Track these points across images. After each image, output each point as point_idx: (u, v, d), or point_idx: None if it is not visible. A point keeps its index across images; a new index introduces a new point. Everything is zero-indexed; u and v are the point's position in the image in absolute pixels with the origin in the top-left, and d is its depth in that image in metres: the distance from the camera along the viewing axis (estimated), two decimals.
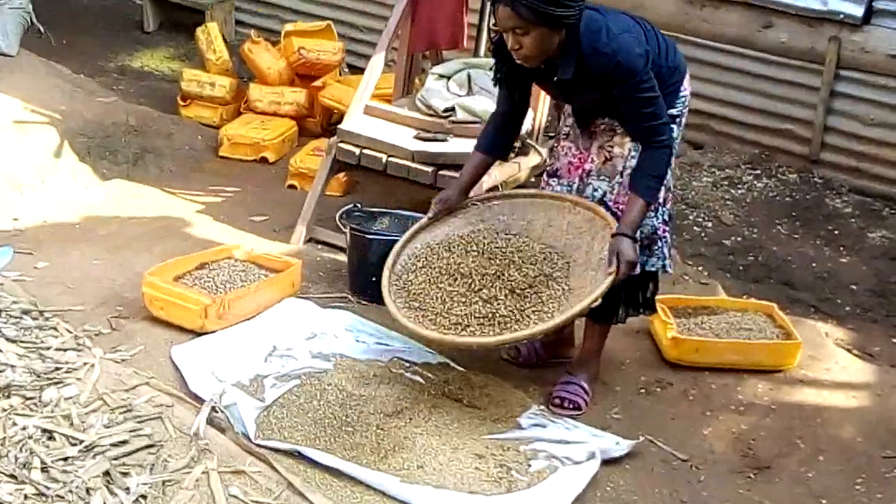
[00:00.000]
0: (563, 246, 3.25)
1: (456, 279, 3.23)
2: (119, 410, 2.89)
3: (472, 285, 3.19)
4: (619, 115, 3.24)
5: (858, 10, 5.27)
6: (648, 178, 3.14)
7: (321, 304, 3.77)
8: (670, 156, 3.19)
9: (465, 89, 4.56)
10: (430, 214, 3.47)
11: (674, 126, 3.29)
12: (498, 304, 3.14)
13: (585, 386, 3.42)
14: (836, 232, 5.04)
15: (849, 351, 4.04)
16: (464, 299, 3.17)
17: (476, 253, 3.29)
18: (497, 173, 4.18)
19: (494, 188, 4.11)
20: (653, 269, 3.39)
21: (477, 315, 3.12)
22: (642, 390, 3.58)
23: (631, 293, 3.41)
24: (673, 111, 3.29)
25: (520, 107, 3.42)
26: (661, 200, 3.35)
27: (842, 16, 5.31)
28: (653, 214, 3.34)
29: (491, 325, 3.08)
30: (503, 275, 3.20)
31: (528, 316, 3.08)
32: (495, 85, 3.39)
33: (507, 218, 3.41)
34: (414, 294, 3.22)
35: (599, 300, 3.09)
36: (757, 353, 3.72)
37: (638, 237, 3.28)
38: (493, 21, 3.13)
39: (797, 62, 5.48)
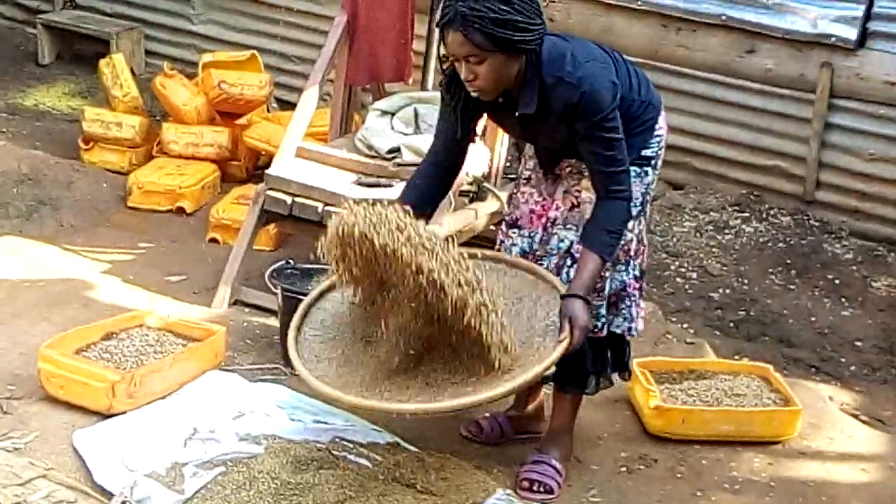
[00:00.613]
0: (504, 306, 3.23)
1: (382, 343, 3.20)
2: None
3: (404, 349, 3.17)
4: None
5: (852, 33, 5.43)
6: (604, 234, 3.18)
7: (249, 377, 3.74)
8: (629, 209, 3.24)
9: (411, 127, 4.61)
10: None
11: (648, 169, 3.35)
12: (436, 370, 3.12)
13: (558, 465, 3.42)
14: (837, 281, 5.13)
15: (855, 417, 4.09)
16: (396, 364, 3.14)
17: (404, 314, 3.22)
18: (450, 221, 4.21)
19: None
20: (618, 330, 3.42)
21: (413, 381, 3.09)
22: (623, 468, 3.58)
23: (598, 359, 3.43)
24: (647, 152, 3.34)
25: (459, 151, 3.43)
26: (631, 253, 3.39)
27: (833, 39, 5.47)
28: (623, 268, 3.38)
29: (431, 390, 3.06)
30: (437, 339, 3.17)
31: (468, 384, 3.07)
32: (444, 118, 3.39)
33: None
34: (331, 363, 3.19)
35: (553, 368, 3.09)
36: (752, 422, 3.76)
37: (605, 294, 3.31)
38: (443, 49, 3.17)
39: (785, 91, 5.62)
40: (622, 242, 3.32)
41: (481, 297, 3.04)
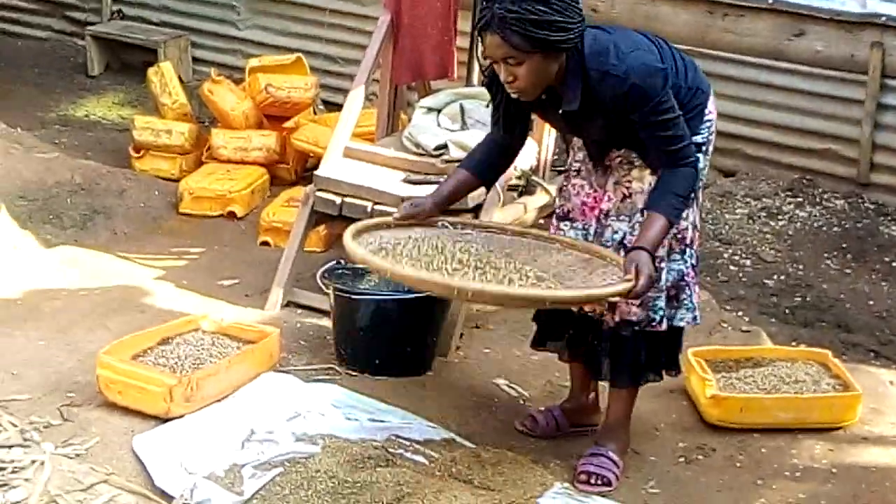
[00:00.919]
0: (553, 273, 3.22)
1: (438, 259, 3.20)
2: None
3: (460, 261, 3.18)
4: (636, 144, 3.27)
5: None
6: (671, 196, 3.15)
7: (304, 377, 3.76)
8: (696, 177, 3.22)
9: (457, 123, 4.61)
10: (396, 215, 3.43)
11: (699, 155, 3.32)
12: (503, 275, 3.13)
13: (615, 457, 3.41)
14: (894, 264, 5.06)
15: None
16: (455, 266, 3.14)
17: (456, 252, 3.25)
18: (499, 216, 4.21)
19: None
20: (681, 323, 3.39)
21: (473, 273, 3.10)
22: (681, 459, 3.56)
23: (652, 351, 3.40)
24: (698, 138, 3.31)
25: (517, 136, 3.46)
26: (688, 241, 3.36)
27: (884, 18, 5.38)
28: (678, 258, 3.35)
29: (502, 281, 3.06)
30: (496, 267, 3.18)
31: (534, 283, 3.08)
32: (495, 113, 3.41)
33: (481, 248, 3.35)
34: (390, 254, 3.18)
35: (618, 298, 3.09)
36: (811, 409, 3.71)
37: (662, 285, 3.29)
38: (482, 50, 3.17)
39: (836, 73, 5.55)
40: (676, 230, 3.30)
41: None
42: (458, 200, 3.59)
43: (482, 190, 3.76)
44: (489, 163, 3.48)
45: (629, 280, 3.06)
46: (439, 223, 3.47)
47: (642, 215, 3.27)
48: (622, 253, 3.29)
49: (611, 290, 3.07)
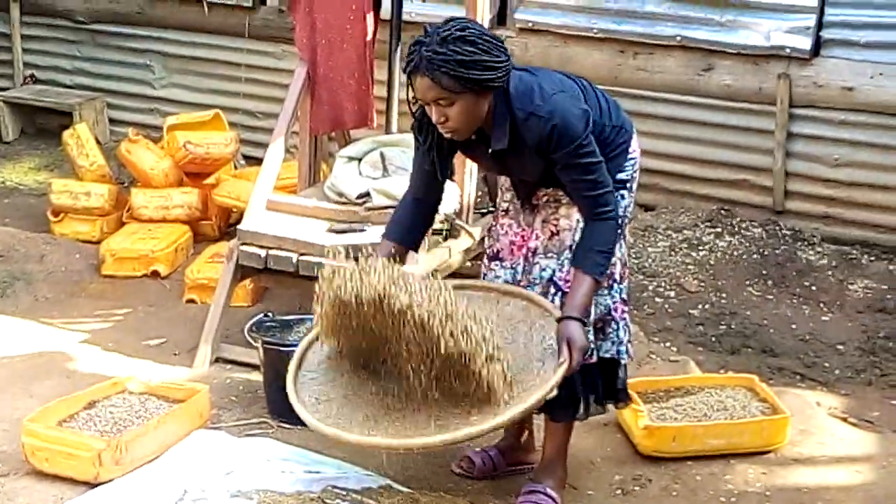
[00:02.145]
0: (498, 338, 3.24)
1: (379, 384, 3.20)
2: None
3: (400, 387, 3.17)
4: (561, 182, 3.31)
5: (806, 43, 5.51)
6: (595, 254, 3.20)
7: (236, 433, 3.72)
8: (617, 228, 3.26)
9: (379, 171, 4.63)
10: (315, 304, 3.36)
11: (624, 192, 3.37)
12: (435, 404, 3.12)
13: (553, 494, 3.41)
14: (814, 288, 5.17)
15: (844, 420, 4.10)
16: (394, 402, 3.15)
17: (403, 365, 3.21)
18: (425, 260, 4.22)
19: None
20: (606, 355, 3.42)
21: (415, 416, 3.09)
22: (618, 491, 3.58)
23: (589, 384, 3.43)
24: (622, 175, 3.37)
25: (438, 189, 3.46)
26: (616, 277, 3.40)
27: (788, 50, 5.55)
28: (606, 292, 3.39)
29: (435, 423, 3.06)
30: (432, 374, 3.16)
31: (471, 413, 3.07)
32: (418, 158, 3.41)
33: None
34: (331, 403, 3.19)
35: (555, 391, 3.10)
36: (742, 433, 3.76)
37: (590, 319, 3.32)
38: (412, 93, 3.19)
39: (746, 105, 5.69)
40: None
41: (489, 350, 3.05)
42: None
43: None
44: (411, 228, 3.47)
45: (564, 361, 3.10)
46: None
47: (570, 252, 3.31)
48: (552, 289, 3.33)
49: (550, 386, 3.08)
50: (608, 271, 3.36)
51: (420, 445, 3.05)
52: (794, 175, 5.64)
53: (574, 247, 3.27)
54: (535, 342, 3.21)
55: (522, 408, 3.05)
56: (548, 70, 3.36)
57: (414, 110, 3.30)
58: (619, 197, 3.36)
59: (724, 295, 5.12)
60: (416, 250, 3.50)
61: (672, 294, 5.14)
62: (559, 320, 3.17)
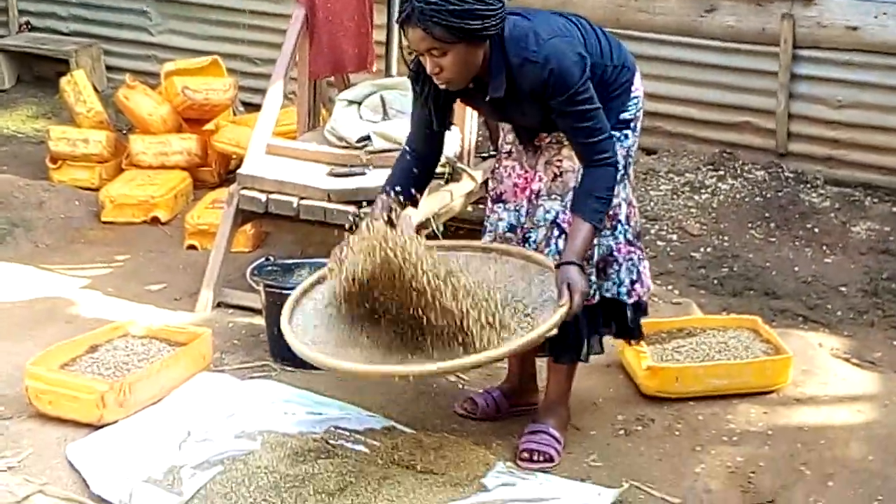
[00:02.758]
0: (494, 293, 3.21)
1: (376, 328, 3.18)
2: None
3: (397, 330, 3.15)
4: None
5: None
6: (594, 200, 3.18)
7: (239, 376, 3.73)
8: (616, 174, 3.24)
9: (379, 114, 4.60)
10: (330, 265, 3.30)
11: (628, 132, 3.35)
12: (434, 345, 3.10)
13: (556, 434, 3.42)
14: (816, 230, 5.16)
15: (847, 360, 4.11)
16: (390, 340, 3.12)
17: (396, 303, 3.19)
18: (427, 205, 4.20)
19: (425, 223, 4.13)
20: (607, 294, 3.42)
21: (410, 348, 3.08)
22: (621, 431, 3.59)
23: (591, 326, 3.42)
24: (626, 114, 3.35)
25: (437, 140, 3.42)
26: (620, 218, 3.39)
27: None
28: (609, 233, 3.38)
29: (428, 356, 3.05)
30: (431, 320, 3.12)
31: (475, 342, 3.06)
32: (416, 108, 3.37)
33: None
34: (326, 345, 3.16)
35: (554, 331, 3.10)
36: (744, 374, 3.77)
37: (592, 260, 3.31)
38: (406, 42, 3.16)
39: (749, 46, 5.65)
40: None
41: (486, 315, 3.06)
42: None
43: None
44: (410, 181, 3.41)
45: (564, 304, 3.08)
46: None
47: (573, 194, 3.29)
48: (555, 231, 3.31)
49: (550, 324, 3.06)
50: (611, 213, 3.35)
51: (415, 372, 3.02)
52: (798, 117, 5.61)
53: (572, 197, 3.25)
54: (534, 295, 3.20)
55: (520, 343, 3.05)
56: (545, 13, 3.31)
57: (408, 61, 3.26)
58: (622, 137, 3.34)
59: (726, 238, 5.11)
60: (415, 205, 3.46)
61: (674, 237, 5.13)
62: (558, 266, 3.16)
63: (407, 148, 3.44)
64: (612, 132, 3.24)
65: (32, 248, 4.97)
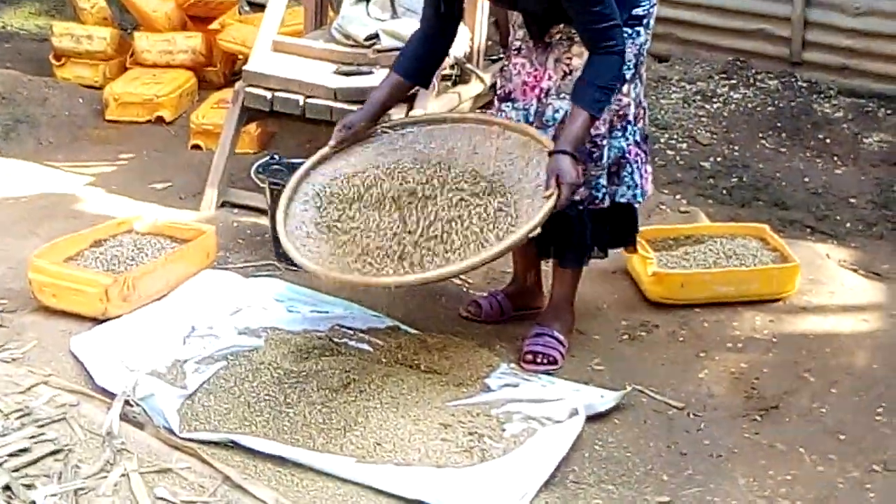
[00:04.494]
0: (491, 174, 3.22)
1: (371, 213, 3.18)
2: (14, 415, 2.81)
3: (391, 218, 3.15)
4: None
5: None
6: (594, 89, 3.12)
7: (244, 273, 3.71)
8: (621, 64, 3.17)
9: (387, 12, 4.51)
10: (332, 143, 3.40)
11: (640, 28, 3.28)
12: (424, 237, 3.09)
13: (560, 337, 3.41)
14: (828, 141, 5.10)
15: (854, 271, 4.09)
16: (384, 234, 3.12)
17: (392, 185, 3.22)
18: (434, 106, 4.14)
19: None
20: (622, 199, 3.38)
21: (399, 252, 3.07)
22: (625, 336, 3.58)
23: (597, 230, 3.39)
24: (638, 10, 3.28)
25: (448, 26, 3.38)
26: (630, 118, 3.33)
27: None
28: (619, 134, 3.33)
29: (418, 261, 3.04)
30: (426, 207, 3.15)
31: (461, 248, 3.05)
32: None
33: (424, 146, 3.37)
34: (322, 235, 3.16)
35: (538, 230, 3.06)
36: (751, 281, 3.74)
37: (603, 163, 3.27)
38: None
39: None
40: (617, 108, 3.27)
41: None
42: (392, 107, 3.57)
43: None
44: (421, 63, 3.41)
45: (551, 195, 3.04)
46: (378, 130, 3.43)
47: None
48: None
49: (536, 222, 3.03)
50: (621, 112, 3.30)
51: (402, 283, 3.04)
52: (813, 24, 5.50)
53: (573, 86, 3.19)
54: (530, 177, 3.16)
55: (506, 244, 3.03)
56: None
57: None
58: (634, 34, 3.27)
59: (736, 147, 5.06)
60: (425, 86, 3.42)
61: (684, 146, 5.08)
62: (550, 154, 3.11)
63: (419, 31, 3.41)
64: (624, 28, 3.17)
65: (36, 144, 4.94)
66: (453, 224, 3.08)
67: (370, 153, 3.39)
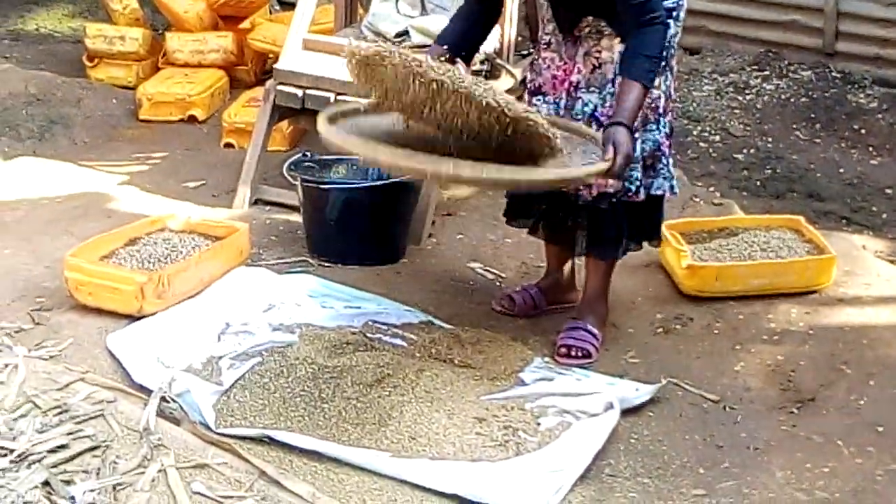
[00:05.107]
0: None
1: (422, 138, 2.98)
2: (53, 412, 2.83)
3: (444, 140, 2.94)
4: (605, 10, 3.20)
5: None
6: (644, 59, 3.09)
7: (277, 270, 3.72)
8: (665, 37, 3.15)
9: (417, 9, 4.51)
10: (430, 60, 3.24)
11: (670, 21, 3.26)
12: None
13: (594, 330, 3.40)
14: (863, 131, 5.06)
15: (890, 262, 4.07)
16: (437, 143, 2.92)
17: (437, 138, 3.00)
18: None
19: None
20: (659, 191, 3.37)
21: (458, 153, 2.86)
22: (660, 329, 3.56)
23: (634, 222, 3.38)
24: (668, 2, 3.25)
25: (492, 7, 3.39)
26: (661, 110, 3.32)
27: None
28: (654, 127, 3.32)
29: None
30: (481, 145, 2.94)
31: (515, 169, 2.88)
32: None
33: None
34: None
35: (591, 180, 3.04)
36: (786, 273, 3.71)
37: (637, 156, 3.25)
38: None
39: None
40: (650, 100, 3.25)
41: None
42: None
43: None
44: (464, 36, 3.38)
45: (607, 160, 3.01)
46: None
47: (613, 86, 3.23)
48: (594, 126, 3.25)
49: (588, 171, 2.99)
50: (653, 105, 3.28)
51: (453, 175, 2.81)
52: (846, 15, 5.46)
53: (619, 61, 3.17)
54: (576, 161, 3.07)
55: (564, 174, 2.94)
56: None
57: None
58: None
59: (770, 139, 5.03)
60: (467, 62, 3.36)
61: (717, 139, 5.05)
62: (606, 126, 3.08)
63: (461, 9, 3.41)
64: None
65: (70, 144, 4.97)
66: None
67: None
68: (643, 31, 3.10)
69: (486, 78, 4.38)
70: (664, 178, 3.37)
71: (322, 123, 3.06)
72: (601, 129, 3.19)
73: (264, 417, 2.93)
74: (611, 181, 3.23)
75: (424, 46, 4.22)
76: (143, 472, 2.65)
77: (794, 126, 5.11)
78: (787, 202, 4.61)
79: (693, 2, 5.43)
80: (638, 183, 3.31)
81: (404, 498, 2.72)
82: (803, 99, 5.28)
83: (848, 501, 2.78)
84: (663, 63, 3.25)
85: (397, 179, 3.78)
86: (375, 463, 2.78)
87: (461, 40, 3.38)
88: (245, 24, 5.69)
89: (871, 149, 4.95)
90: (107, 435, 2.77)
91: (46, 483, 2.58)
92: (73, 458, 2.67)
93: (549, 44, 3.40)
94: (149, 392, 3.00)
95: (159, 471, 2.65)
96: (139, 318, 3.36)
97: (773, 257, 3.77)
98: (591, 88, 3.29)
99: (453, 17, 3.44)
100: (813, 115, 5.16)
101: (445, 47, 3.31)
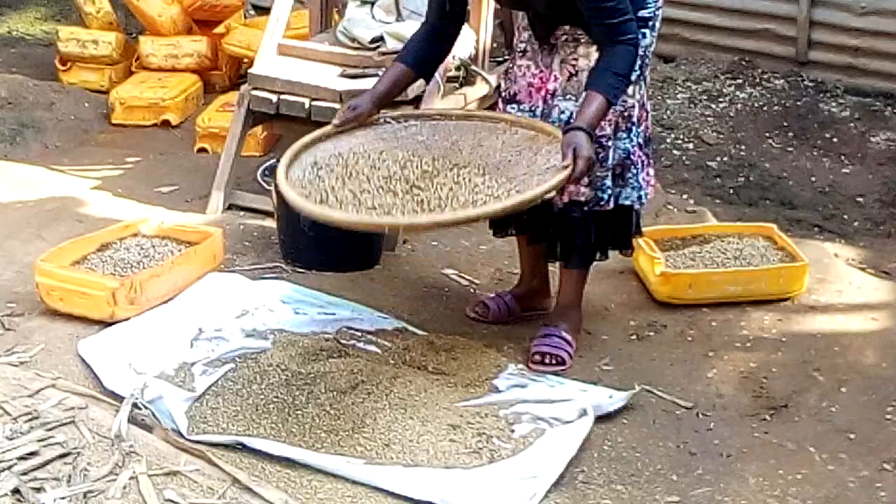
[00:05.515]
0: (496, 162, 3.16)
1: (373, 173, 3.11)
2: (23, 419, 2.81)
3: (393, 184, 3.07)
4: (581, 19, 3.21)
5: None
6: (610, 76, 3.11)
7: (251, 276, 3.71)
8: (636, 56, 3.16)
9: (392, 15, 4.51)
10: (336, 121, 3.34)
11: (646, 30, 3.28)
12: (433, 190, 3.02)
13: (568, 337, 3.41)
14: (835, 140, 5.10)
15: (862, 270, 4.09)
16: (388, 188, 3.04)
17: (394, 161, 3.15)
18: (439, 107, 4.14)
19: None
20: (626, 202, 3.37)
21: (404, 202, 2.98)
22: (633, 336, 3.58)
23: (601, 231, 3.38)
24: (644, 12, 3.27)
25: (454, 19, 3.38)
26: (634, 120, 3.33)
27: None
28: (624, 136, 3.33)
29: (429, 206, 2.96)
30: (431, 180, 3.07)
31: (470, 202, 2.98)
32: None
33: (426, 138, 3.32)
34: (323, 191, 3.07)
35: (553, 193, 3.05)
36: (759, 280, 3.74)
37: (608, 164, 3.26)
38: None
39: None
40: (622, 108, 3.27)
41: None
42: (396, 96, 3.55)
43: (422, 81, 3.71)
44: (426, 54, 3.42)
45: (567, 166, 3.01)
46: (381, 119, 3.40)
47: None
48: None
49: (547, 186, 3.00)
50: (626, 114, 3.30)
51: (409, 224, 2.98)
52: (819, 24, 5.51)
53: (588, 75, 3.18)
54: (539, 164, 3.11)
55: (519, 199, 2.96)
56: None
57: None
58: (640, 36, 3.26)
59: (743, 147, 5.06)
60: (427, 80, 3.40)
61: (690, 146, 5.08)
62: (565, 131, 3.08)
63: (425, 24, 3.42)
64: None
65: (42, 148, 4.94)
66: (461, 186, 3.03)
67: (371, 137, 3.33)
68: (614, 48, 3.12)
69: (461, 85, 4.41)
70: (632, 188, 3.37)
71: (281, 175, 3.12)
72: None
73: (237, 424, 2.91)
74: (583, 189, 3.24)
75: (399, 52, 4.24)
76: (114, 480, 2.63)
77: (767, 134, 5.14)
78: (759, 210, 4.64)
79: (667, 10, 5.42)
80: (609, 192, 3.32)
81: None
82: (776, 107, 5.31)
83: None
84: (637, 74, 3.26)
85: None
86: (349, 470, 2.77)
87: (427, 58, 3.41)
88: (220, 29, 5.67)
89: (843, 157, 4.99)
90: (78, 442, 2.75)
91: (16, 490, 2.56)
92: (43, 465, 2.65)
93: (524, 52, 3.41)
94: (120, 398, 2.98)
95: (131, 478, 2.64)
96: (111, 324, 3.34)
97: (746, 265, 3.79)
98: (568, 96, 3.30)
99: (415, 34, 3.43)
100: (786, 124, 5.20)
101: (410, 66, 3.35)
